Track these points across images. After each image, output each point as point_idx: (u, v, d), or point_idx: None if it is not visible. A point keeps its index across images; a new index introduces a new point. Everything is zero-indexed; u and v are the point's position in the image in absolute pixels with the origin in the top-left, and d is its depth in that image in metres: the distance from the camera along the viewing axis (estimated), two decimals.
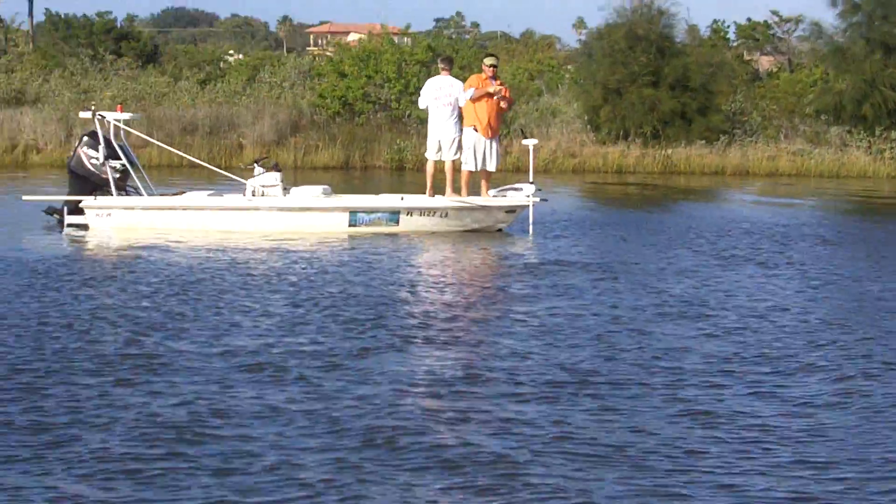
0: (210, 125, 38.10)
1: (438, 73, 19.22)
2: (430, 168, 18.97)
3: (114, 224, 18.32)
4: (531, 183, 18.59)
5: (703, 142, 38.08)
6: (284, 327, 10.81)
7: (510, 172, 32.11)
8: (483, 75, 18.61)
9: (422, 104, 19.00)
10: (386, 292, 12.76)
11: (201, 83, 44.18)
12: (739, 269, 15.23)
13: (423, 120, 36.63)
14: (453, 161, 18.68)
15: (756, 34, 58.13)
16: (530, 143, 19.31)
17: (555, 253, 16.51)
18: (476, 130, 18.51)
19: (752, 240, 18.82)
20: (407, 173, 35.17)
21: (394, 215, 18.31)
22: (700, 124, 38.55)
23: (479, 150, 18.55)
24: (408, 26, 44.41)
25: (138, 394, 8.36)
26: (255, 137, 37.57)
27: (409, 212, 18.33)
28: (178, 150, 23.36)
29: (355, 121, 38.74)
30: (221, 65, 52.90)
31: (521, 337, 10.52)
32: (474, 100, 18.36)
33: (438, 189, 18.99)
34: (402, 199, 18.60)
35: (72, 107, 37.31)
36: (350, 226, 18.22)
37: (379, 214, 18.32)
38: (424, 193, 19.07)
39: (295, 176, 29.64)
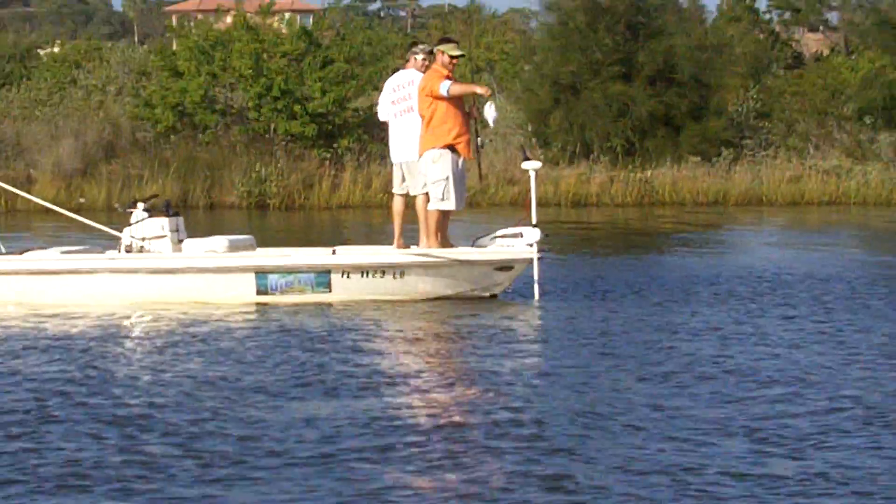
0: None
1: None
2: (396, 206, 16.57)
3: None
4: (534, 226, 15.85)
5: (698, 158, 33.17)
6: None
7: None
8: (444, 71, 15.46)
9: (381, 115, 16.31)
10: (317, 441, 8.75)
11: None
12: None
13: (294, 136, 31.90)
14: (426, 195, 16.07)
15: (797, 3, 52.20)
16: (531, 166, 16.23)
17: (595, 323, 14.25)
18: (455, 151, 15.49)
19: None
20: (272, 213, 31.27)
21: (322, 277, 16.08)
22: (692, 133, 33.48)
23: (460, 179, 15.75)
24: (271, 3, 34.68)
25: None
26: (50, 166, 32.65)
27: (346, 272, 16.05)
28: None
29: (198, 139, 33.11)
30: (32, 62, 45.89)
31: None
32: (452, 94, 15.32)
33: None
34: (333, 252, 16.55)
35: None
36: (259, 293, 16.00)
37: (300, 276, 16.15)
38: (361, 244, 18.02)
39: (110, 218, 23.43)
